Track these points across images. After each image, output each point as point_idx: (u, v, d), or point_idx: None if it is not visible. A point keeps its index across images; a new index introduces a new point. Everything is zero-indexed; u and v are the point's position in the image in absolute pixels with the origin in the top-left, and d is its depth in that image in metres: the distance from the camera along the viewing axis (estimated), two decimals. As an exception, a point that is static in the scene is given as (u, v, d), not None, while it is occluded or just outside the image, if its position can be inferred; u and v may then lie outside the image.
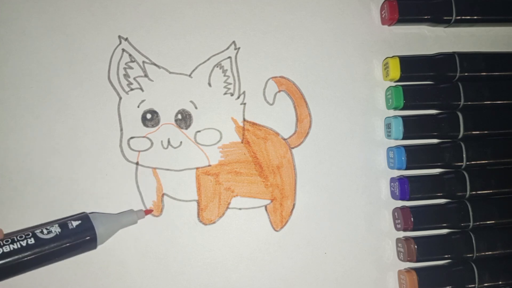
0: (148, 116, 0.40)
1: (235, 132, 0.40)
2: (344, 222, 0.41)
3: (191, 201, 0.40)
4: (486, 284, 0.39)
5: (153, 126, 0.40)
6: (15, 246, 0.30)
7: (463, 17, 0.41)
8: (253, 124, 0.41)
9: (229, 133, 0.40)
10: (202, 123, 0.40)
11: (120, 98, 0.40)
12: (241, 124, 0.41)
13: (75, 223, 0.32)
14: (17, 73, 0.39)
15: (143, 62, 0.40)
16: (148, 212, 0.38)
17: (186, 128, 0.40)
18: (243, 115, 0.41)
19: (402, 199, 0.40)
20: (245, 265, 0.40)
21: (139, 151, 0.39)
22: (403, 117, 0.40)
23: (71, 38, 0.40)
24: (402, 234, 0.41)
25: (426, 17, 0.41)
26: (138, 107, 0.40)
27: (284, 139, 0.41)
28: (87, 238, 0.33)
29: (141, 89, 0.40)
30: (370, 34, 0.43)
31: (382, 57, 0.42)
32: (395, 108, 0.41)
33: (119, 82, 0.40)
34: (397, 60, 0.40)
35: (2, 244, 0.30)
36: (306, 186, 0.41)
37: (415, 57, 0.41)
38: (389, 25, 0.42)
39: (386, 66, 0.41)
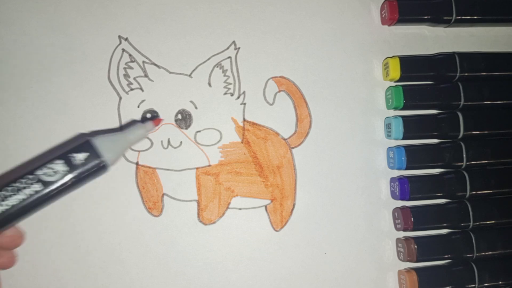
0: (148, 116, 0.40)
1: (235, 132, 0.40)
2: (344, 222, 0.41)
3: (191, 201, 0.40)
4: (486, 284, 0.39)
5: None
6: (22, 196, 0.27)
7: (463, 17, 0.41)
8: (253, 124, 0.41)
9: (229, 133, 0.40)
10: (202, 123, 0.40)
11: (120, 98, 0.40)
12: (241, 124, 0.41)
13: (81, 156, 0.28)
14: (17, 73, 0.39)
15: (143, 62, 0.40)
16: (157, 122, 0.34)
17: (186, 128, 0.40)
18: (243, 115, 0.41)
19: (402, 199, 0.40)
20: (245, 265, 0.40)
21: (139, 151, 0.39)
22: (403, 117, 0.40)
23: (71, 38, 0.40)
24: (402, 234, 0.41)
25: (426, 17, 0.41)
26: (138, 107, 0.40)
27: (284, 139, 0.41)
28: (96, 170, 0.29)
29: (141, 89, 0.40)
30: (370, 34, 0.43)
31: (382, 57, 0.42)
32: (395, 108, 0.41)
33: (119, 82, 0.40)
34: (397, 60, 0.40)
35: (6, 195, 0.27)
36: (306, 186, 0.41)
37: (415, 57, 0.41)
38: (389, 25, 0.42)
39: (386, 66, 0.41)
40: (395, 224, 0.41)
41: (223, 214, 0.40)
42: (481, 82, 0.41)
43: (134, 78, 0.40)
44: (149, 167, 0.39)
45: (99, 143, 0.29)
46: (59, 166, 0.28)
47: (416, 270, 0.40)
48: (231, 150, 0.40)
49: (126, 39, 0.40)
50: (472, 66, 0.41)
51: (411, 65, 0.41)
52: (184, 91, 0.40)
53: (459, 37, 0.43)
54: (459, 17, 0.41)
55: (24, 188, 0.27)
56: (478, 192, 0.40)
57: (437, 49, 0.42)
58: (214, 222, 0.40)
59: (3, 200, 0.26)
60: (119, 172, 0.39)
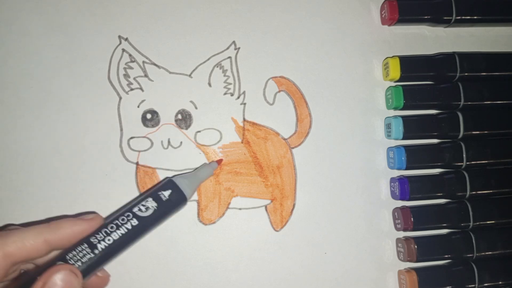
0: (148, 116, 0.40)
1: (235, 132, 0.40)
2: (344, 222, 0.41)
3: (191, 201, 0.40)
4: (486, 284, 0.39)
5: (153, 126, 0.40)
6: (122, 231, 0.30)
7: (463, 17, 0.41)
8: (253, 124, 0.41)
9: (229, 133, 0.40)
10: (202, 123, 0.40)
11: (120, 98, 0.40)
12: (241, 124, 0.41)
13: (166, 193, 0.32)
14: (17, 73, 0.39)
15: (143, 62, 0.40)
16: (220, 162, 0.39)
17: (186, 128, 0.40)
18: (243, 115, 0.41)
19: (402, 199, 0.40)
20: (245, 265, 0.40)
21: (139, 151, 0.39)
22: (403, 117, 0.40)
23: (71, 38, 0.40)
24: (402, 234, 0.41)
25: (426, 17, 0.41)
26: (138, 107, 0.40)
27: (284, 139, 0.41)
28: (180, 205, 0.33)
29: (141, 89, 0.40)
30: (370, 34, 0.43)
31: (382, 57, 0.42)
32: (395, 108, 0.41)
33: (119, 82, 0.40)
34: (397, 60, 0.40)
35: (109, 231, 0.30)
36: (306, 186, 0.41)
37: (415, 57, 0.41)
38: (389, 25, 0.42)
39: (386, 66, 0.41)
40: (395, 224, 0.41)
41: (223, 214, 0.40)
42: (481, 82, 0.41)
43: (134, 78, 0.40)
44: (149, 167, 0.39)
45: (179, 181, 0.33)
46: (150, 203, 0.32)
47: (416, 270, 0.40)
48: (231, 150, 0.40)
49: (126, 39, 0.40)
50: (472, 66, 0.41)
51: (411, 65, 0.41)
52: (184, 91, 0.40)
53: (459, 37, 0.43)
54: (459, 17, 0.41)
55: (123, 224, 0.30)
56: (478, 192, 0.40)
57: (437, 49, 0.42)
58: (214, 222, 0.40)
59: (106, 236, 0.29)
60: (119, 172, 0.39)
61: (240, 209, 0.40)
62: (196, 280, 0.39)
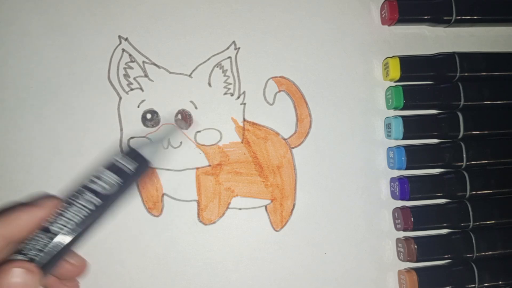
0: (148, 116, 0.40)
1: (235, 132, 0.40)
2: (344, 222, 0.41)
3: (191, 201, 0.40)
4: (486, 284, 0.39)
5: (153, 126, 0.40)
6: (84, 213, 0.27)
7: (463, 17, 0.41)
8: (253, 124, 0.41)
9: (229, 133, 0.40)
10: (202, 123, 0.40)
11: (120, 98, 0.40)
12: (241, 124, 0.41)
13: (130, 166, 0.29)
14: (17, 73, 0.39)
15: (143, 62, 0.40)
16: (186, 119, 0.38)
17: (186, 128, 0.40)
18: (243, 115, 0.41)
19: (402, 199, 0.40)
20: (245, 265, 0.40)
21: (139, 151, 0.39)
22: (403, 117, 0.40)
23: (71, 38, 0.40)
24: (402, 234, 0.41)
25: (426, 17, 0.41)
26: (138, 107, 0.40)
27: (284, 139, 0.41)
28: (145, 175, 0.30)
29: (141, 89, 0.40)
30: (370, 34, 0.43)
31: (382, 57, 0.42)
32: (395, 108, 0.41)
33: (119, 82, 0.40)
34: (397, 60, 0.40)
35: (66, 212, 0.26)
36: (306, 186, 0.41)
37: (415, 57, 0.41)
38: (389, 25, 0.42)
39: (386, 66, 0.41)
40: (395, 224, 0.41)
41: (223, 214, 0.40)
42: (481, 82, 0.41)
43: (134, 78, 0.40)
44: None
45: (140, 148, 0.31)
46: (112, 178, 0.28)
47: (416, 270, 0.40)
48: (231, 150, 0.40)
49: (126, 39, 0.40)
50: (472, 66, 0.41)
51: (411, 65, 0.41)
52: (184, 91, 0.40)
53: (459, 37, 0.43)
54: (459, 17, 0.41)
55: (84, 207, 0.27)
56: (478, 192, 0.40)
57: (437, 49, 0.42)
58: (214, 222, 0.40)
59: (67, 221, 0.26)
60: (119, 172, 0.39)
61: (240, 209, 0.40)
62: (196, 280, 0.39)
